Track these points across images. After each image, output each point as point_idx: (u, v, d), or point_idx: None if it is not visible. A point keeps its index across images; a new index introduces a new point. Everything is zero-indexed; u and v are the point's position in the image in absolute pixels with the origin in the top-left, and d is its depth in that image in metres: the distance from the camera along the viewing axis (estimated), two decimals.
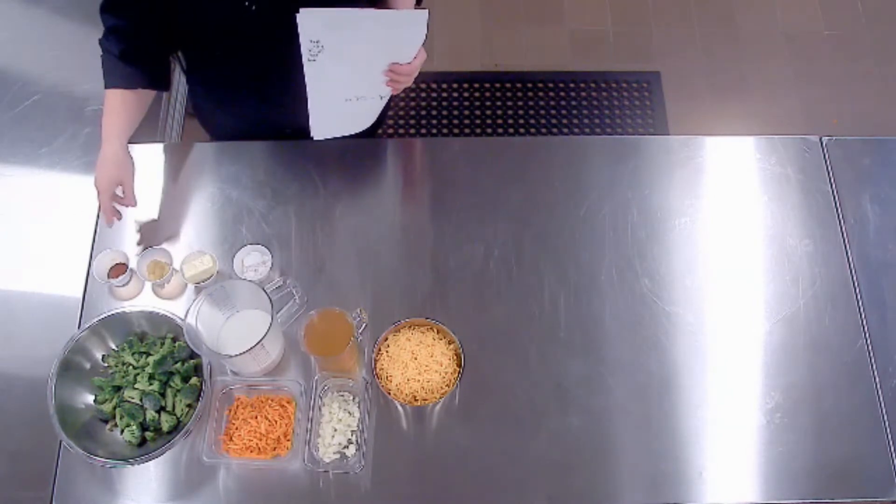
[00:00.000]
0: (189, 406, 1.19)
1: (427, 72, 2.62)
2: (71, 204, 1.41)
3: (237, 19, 1.18)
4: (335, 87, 1.20)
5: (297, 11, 1.02)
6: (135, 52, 1.25)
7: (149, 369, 1.19)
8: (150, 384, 1.19)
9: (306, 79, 1.14)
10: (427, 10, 1.09)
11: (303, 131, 1.30)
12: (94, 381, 1.20)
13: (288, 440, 1.17)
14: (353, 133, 1.37)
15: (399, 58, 1.17)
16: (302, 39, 1.05)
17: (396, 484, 1.19)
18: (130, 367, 1.21)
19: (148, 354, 1.21)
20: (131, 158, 1.28)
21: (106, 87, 1.27)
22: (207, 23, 1.21)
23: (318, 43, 1.07)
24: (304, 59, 1.09)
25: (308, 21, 1.03)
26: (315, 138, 1.30)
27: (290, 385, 1.20)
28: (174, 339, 1.23)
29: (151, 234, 1.37)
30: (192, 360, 1.22)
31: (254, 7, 1.15)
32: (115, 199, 1.27)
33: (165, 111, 2.17)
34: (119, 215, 1.28)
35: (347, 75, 1.18)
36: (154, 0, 1.18)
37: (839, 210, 1.42)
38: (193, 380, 1.20)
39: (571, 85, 2.66)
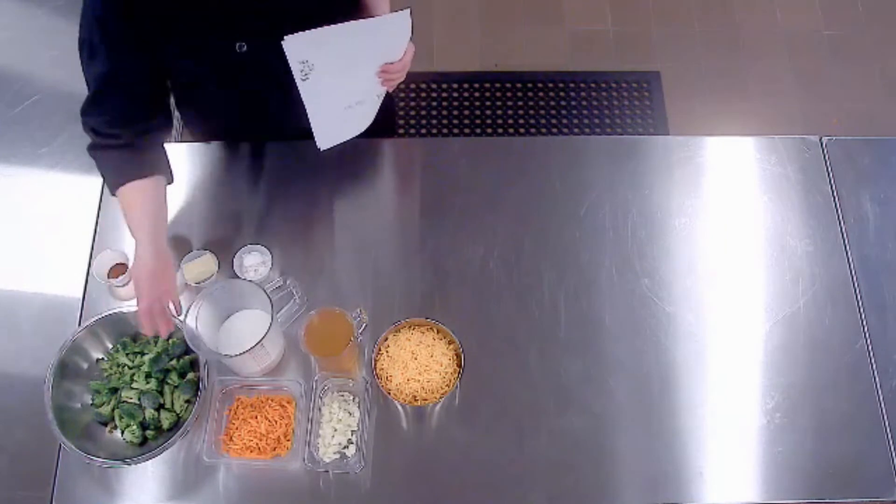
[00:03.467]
0: (188, 402, 1.19)
1: (427, 72, 2.63)
2: (71, 204, 1.41)
3: (229, 62, 1.17)
4: (332, 98, 1.21)
5: (278, 47, 1.03)
6: (137, 137, 1.18)
7: (145, 368, 1.19)
8: (147, 383, 1.19)
9: (303, 97, 1.15)
10: (409, 10, 1.09)
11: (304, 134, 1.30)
12: (91, 384, 1.20)
13: (288, 440, 1.17)
14: (357, 135, 1.37)
15: (389, 58, 1.18)
16: (291, 62, 1.06)
17: (396, 484, 1.19)
18: (126, 368, 1.21)
19: (142, 354, 1.21)
20: (171, 258, 1.17)
21: (116, 187, 1.16)
22: (200, 68, 1.19)
23: (307, 62, 1.08)
24: (297, 80, 1.10)
25: (294, 45, 1.04)
26: (321, 149, 1.31)
27: (290, 385, 1.20)
28: (167, 337, 1.23)
29: None
30: (187, 356, 1.22)
31: (244, 48, 1.15)
32: (158, 310, 1.13)
33: None
34: (169, 326, 1.13)
35: (342, 85, 1.19)
36: (141, 71, 1.13)
37: (839, 210, 1.42)
38: (191, 375, 1.20)
39: (571, 85, 2.66)
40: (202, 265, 1.29)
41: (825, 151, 1.48)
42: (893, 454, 1.22)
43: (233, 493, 1.17)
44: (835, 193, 1.43)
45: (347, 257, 1.36)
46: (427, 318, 1.21)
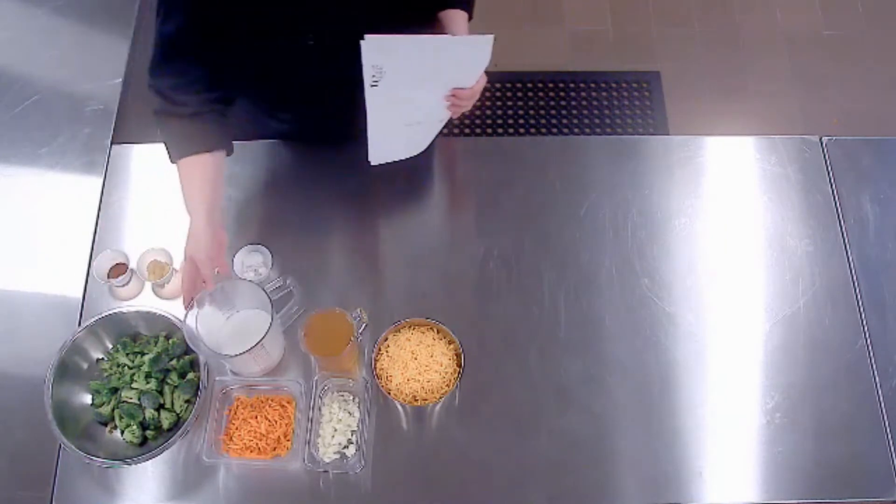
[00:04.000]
0: (188, 402, 1.19)
1: None
2: (71, 204, 1.41)
3: (297, 55, 1.14)
4: (395, 111, 1.17)
5: (357, 42, 0.99)
6: (203, 106, 1.16)
7: (145, 368, 1.19)
8: (147, 383, 1.19)
9: (367, 104, 1.11)
10: (492, 36, 1.05)
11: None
12: (91, 384, 1.20)
13: (288, 440, 1.17)
14: (409, 157, 1.34)
15: (461, 82, 1.15)
16: (364, 65, 1.02)
17: (396, 484, 1.19)
18: (126, 368, 1.21)
19: (142, 354, 1.21)
20: (225, 236, 1.16)
21: (177, 159, 1.16)
22: (265, 60, 1.16)
23: (380, 69, 1.04)
24: (366, 85, 1.06)
25: (371, 47, 1.00)
26: (372, 163, 1.26)
27: (290, 385, 1.20)
28: (167, 337, 1.23)
29: (151, 234, 1.37)
30: (187, 356, 1.22)
31: (312, 42, 1.12)
32: (210, 273, 1.11)
33: None
34: (210, 289, 1.13)
35: (408, 100, 1.15)
36: (208, 48, 1.11)
37: (839, 210, 1.42)
38: (191, 375, 1.20)
39: (571, 85, 2.66)
40: None
41: (825, 151, 1.48)
42: (893, 454, 1.22)
43: (233, 493, 1.17)
44: (835, 193, 1.43)
45: (347, 257, 1.36)
46: (427, 318, 1.21)
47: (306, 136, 1.45)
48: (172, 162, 1.17)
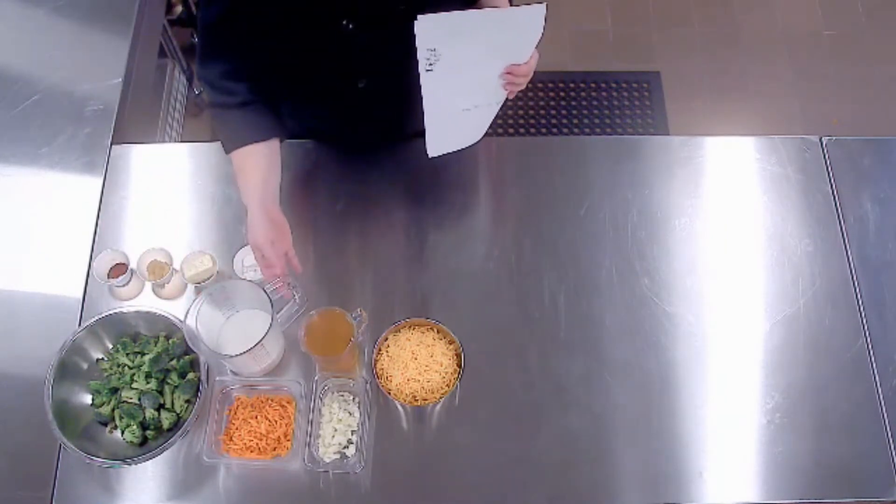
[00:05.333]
0: (188, 402, 1.19)
1: None
2: (71, 204, 1.41)
3: (334, 40, 1.13)
4: (452, 96, 1.14)
5: (390, 28, 0.95)
6: (254, 95, 1.15)
7: (145, 368, 1.19)
8: (148, 383, 1.19)
9: (423, 91, 1.08)
10: (544, 5, 1.02)
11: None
12: (91, 384, 1.20)
13: (288, 440, 1.17)
14: (467, 146, 1.31)
15: (515, 58, 1.12)
16: (419, 48, 1.00)
17: (396, 484, 1.19)
18: (126, 368, 1.21)
19: (142, 354, 1.21)
20: (284, 220, 1.17)
21: (228, 151, 1.16)
22: (302, 45, 1.14)
23: (435, 51, 1.01)
24: (421, 70, 1.03)
25: (426, 28, 0.97)
26: (430, 156, 1.24)
27: (290, 385, 1.20)
28: (167, 337, 1.23)
29: (151, 234, 1.37)
30: (187, 356, 1.22)
31: (351, 26, 1.10)
32: (276, 256, 1.14)
33: (165, 111, 2.17)
34: (282, 273, 1.15)
35: (465, 82, 1.12)
36: (251, 33, 1.11)
37: (839, 210, 1.42)
38: (191, 375, 1.20)
39: (571, 85, 2.66)
40: (202, 265, 1.28)
41: (825, 151, 1.48)
42: (893, 454, 1.22)
43: (233, 494, 1.17)
44: (835, 193, 1.43)
45: (347, 257, 1.36)
46: (427, 318, 1.21)
47: (343, 135, 1.45)
48: (227, 153, 1.17)
